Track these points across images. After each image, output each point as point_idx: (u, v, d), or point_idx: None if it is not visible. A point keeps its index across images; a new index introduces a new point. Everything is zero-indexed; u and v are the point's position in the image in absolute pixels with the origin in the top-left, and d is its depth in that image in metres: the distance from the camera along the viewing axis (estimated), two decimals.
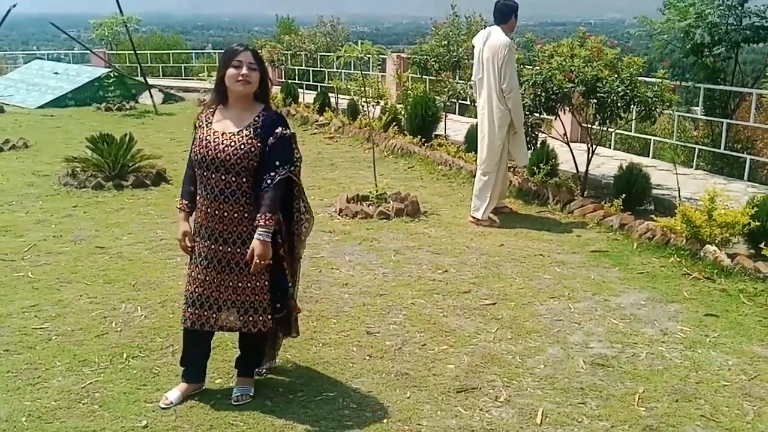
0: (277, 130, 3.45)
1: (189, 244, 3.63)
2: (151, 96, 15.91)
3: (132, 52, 17.19)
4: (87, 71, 18.06)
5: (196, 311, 3.63)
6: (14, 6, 15.83)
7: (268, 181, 3.41)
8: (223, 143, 3.42)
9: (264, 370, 3.97)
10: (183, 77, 22.20)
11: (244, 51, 3.46)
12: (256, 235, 3.40)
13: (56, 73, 18.36)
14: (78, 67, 19.50)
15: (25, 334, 4.47)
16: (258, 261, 3.41)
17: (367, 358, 4.23)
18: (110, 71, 17.20)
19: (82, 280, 5.44)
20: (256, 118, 3.47)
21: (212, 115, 3.56)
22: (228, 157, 3.40)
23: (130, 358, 4.18)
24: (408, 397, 3.78)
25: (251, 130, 3.44)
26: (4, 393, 3.78)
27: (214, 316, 3.62)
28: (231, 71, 3.43)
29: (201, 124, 3.56)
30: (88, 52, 21.01)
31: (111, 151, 8.50)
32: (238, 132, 3.44)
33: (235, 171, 3.41)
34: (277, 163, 3.43)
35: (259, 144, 3.43)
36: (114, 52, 21.69)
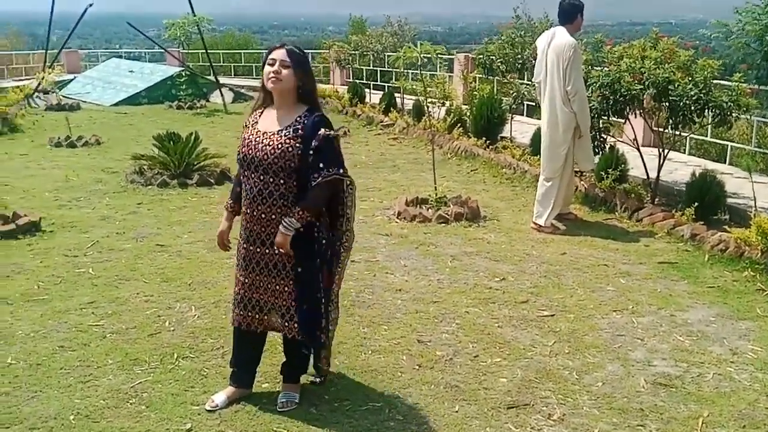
0: (320, 132, 3.37)
1: (226, 244, 3.71)
2: (222, 95, 16.17)
3: (204, 51, 17.51)
4: (161, 70, 18.52)
5: (241, 312, 3.62)
6: (91, 5, 16.32)
7: (312, 183, 3.36)
8: (262, 142, 3.38)
9: (318, 379, 3.88)
10: (254, 76, 22.50)
11: (280, 49, 3.40)
12: (282, 223, 3.35)
13: (131, 71, 18.89)
14: (152, 65, 20.02)
15: (80, 331, 4.54)
16: (280, 248, 3.39)
17: (417, 367, 4.11)
18: (183, 70, 17.57)
19: (140, 277, 5.50)
20: (298, 119, 3.41)
21: (259, 116, 3.52)
22: (265, 156, 3.35)
23: (180, 359, 4.19)
24: (456, 411, 3.66)
25: (291, 130, 3.38)
26: (56, 390, 3.82)
27: (258, 317, 3.59)
28: (266, 68, 3.39)
29: (247, 124, 3.54)
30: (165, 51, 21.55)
31: (176, 150, 8.63)
32: (278, 131, 3.39)
33: (273, 171, 3.36)
34: (321, 165, 3.36)
35: (299, 145, 3.35)
36: (188, 51, 22.15)
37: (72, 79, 19.48)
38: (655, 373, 4.06)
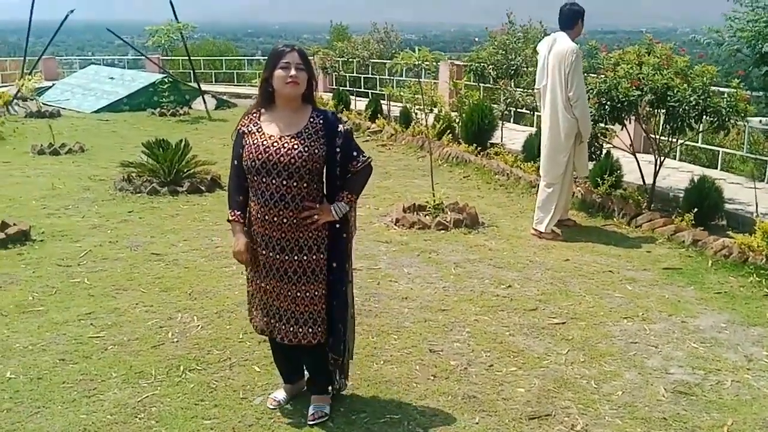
0: (340, 128, 3.35)
1: (249, 258, 3.46)
2: (204, 102, 16.00)
3: (185, 58, 17.35)
4: (142, 77, 18.27)
5: (264, 318, 3.52)
6: (72, 11, 16.09)
7: (353, 170, 3.39)
8: (284, 147, 3.26)
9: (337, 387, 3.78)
10: (235, 83, 22.35)
11: (291, 52, 3.29)
12: (333, 205, 3.35)
13: (112, 78, 18.62)
14: (133, 72, 19.75)
15: (80, 343, 4.38)
16: (314, 218, 3.31)
17: (432, 378, 4.02)
18: (165, 77, 17.37)
19: (138, 287, 5.35)
20: (313, 119, 3.33)
21: (258, 119, 3.39)
22: (293, 161, 3.23)
23: (186, 371, 4.05)
24: (477, 423, 3.57)
25: (312, 132, 3.30)
26: (60, 405, 3.68)
27: (278, 326, 3.46)
28: (279, 72, 3.27)
29: (248, 129, 3.37)
30: (142, 57, 21.31)
31: (166, 157, 8.48)
32: (297, 134, 3.28)
33: (299, 174, 3.25)
34: (355, 153, 3.38)
35: (323, 146, 3.29)
36: (168, 58, 21.94)
37: (50, 86, 19.15)
38: (674, 381, 4.00)
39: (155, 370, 4.06)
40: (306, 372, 3.78)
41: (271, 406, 3.66)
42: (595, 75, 7.48)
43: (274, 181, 3.26)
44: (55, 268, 5.72)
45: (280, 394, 3.73)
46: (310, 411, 3.58)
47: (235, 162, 3.45)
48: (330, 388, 3.69)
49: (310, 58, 3.44)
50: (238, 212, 3.47)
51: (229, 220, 3.51)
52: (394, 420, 3.59)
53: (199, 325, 4.68)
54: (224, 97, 17.99)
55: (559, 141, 6.52)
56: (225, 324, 4.69)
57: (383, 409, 3.69)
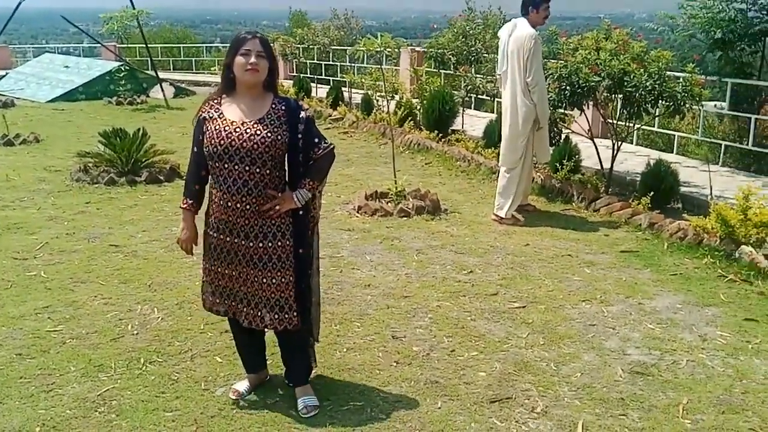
0: (301, 115, 3.34)
1: (192, 249, 3.52)
2: (162, 90, 15.76)
3: (142, 45, 17.05)
4: (98, 65, 17.93)
5: (217, 300, 3.50)
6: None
7: (315, 156, 3.37)
8: (246, 132, 3.23)
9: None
10: (194, 71, 22.06)
11: (253, 39, 3.28)
12: (294, 192, 3.34)
13: (67, 66, 18.24)
14: (89, 60, 19.37)
15: (38, 337, 4.31)
16: (276, 208, 3.30)
17: (395, 364, 4.04)
18: (121, 65, 17.07)
19: (96, 279, 5.27)
20: (275, 105, 3.32)
21: (219, 105, 3.36)
22: (255, 146, 3.22)
23: (147, 364, 4.01)
24: (439, 408, 3.60)
25: (274, 117, 3.29)
26: (17, 400, 3.61)
27: (245, 310, 3.43)
28: (239, 59, 3.25)
29: (209, 115, 3.34)
30: (98, 45, 20.91)
31: (124, 146, 8.34)
32: (259, 120, 3.27)
33: (261, 161, 3.24)
34: (317, 140, 3.37)
35: (286, 132, 3.28)
36: (124, 45, 21.55)
37: (4, 76, 18.69)
38: (631, 362, 4.08)
39: (115, 363, 4.01)
40: (280, 362, 3.76)
41: (234, 397, 3.64)
42: (555, 61, 7.54)
43: (236, 168, 3.24)
44: (11, 261, 5.61)
45: (243, 385, 3.70)
46: (300, 405, 3.55)
47: (195, 149, 3.42)
48: (308, 375, 3.68)
49: (270, 44, 3.41)
50: (191, 201, 3.47)
51: (181, 207, 3.51)
52: (357, 407, 3.60)
53: (159, 317, 4.63)
54: (182, 85, 17.76)
55: (517, 126, 6.58)
56: (186, 315, 4.65)
57: (347, 396, 3.70)
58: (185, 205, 3.48)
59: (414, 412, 3.55)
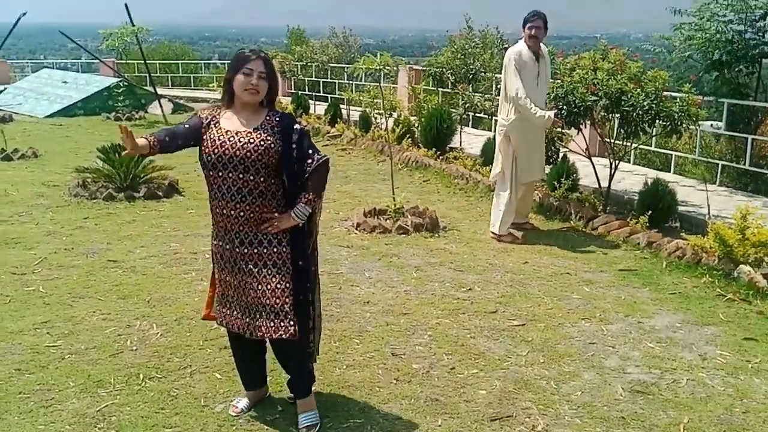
0: (295, 126, 3.38)
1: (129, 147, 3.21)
2: (161, 106, 15.79)
3: (141, 61, 17.09)
4: (96, 81, 17.97)
5: (228, 311, 3.51)
6: (24, 14, 15.77)
7: (309, 169, 3.35)
8: (240, 141, 3.27)
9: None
10: (192, 87, 22.12)
11: (257, 59, 3.31)
12: (294, 209, 3.34)
13: (65, 82, 18.27)
14: (87, 76, 19.41)
15: (37, 353, 4.29)
16: (275, 224, 3.32)
17: (394, 381, 4.03)
18: (120, 81, 17.11)
19: (95, 295, 5.26)
20: (268, 117, 3.36)
21: (218, 116, 3.40)
22: (248, 154, 3.25)
23: (146, 380, 4.00)
24: (440, 425, 3.59)
25: (268, 127, 3.33)
26: (17, 416, 3.60)
27: (246, 320, 3.42)
28: (240, 78, 3.29)
29: (206, 122, 3.38)
30: (96, 61, 20.95)
31: (122, 162, 8.34)
32: (254, 130, 3.31)
33: (255, 168, 3.27)
34: (311, 151, 3.37)
35: (279, 141, 3.31)
36: (123, 61, 21.61)
37: (2, 90, 18.72)
38: (631, 381, 4.08)
39: (114, 379, 4.00)
40: (280, 380, 3.74)
41: (233, 414, 3.63)
42: (552, 81, 7.58)
43: (230, 175, 3.28)
44: (9, 276, 5.59)
45: (242, 402, 3.70)
46: (301, 423, 3.52)
47: (186, 125, 3.39)
48: (310, 385, 3.64)
49: (272, 64, 3.44)
50: (154, 139, 3.29)
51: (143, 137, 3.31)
52: (357, 424, 3.59)
53: (158, 333, 4.62)
54: (181, 102, 17.79)
55: (503, 143, 6.76)
56: (185, 331, 4.64)
57: (347, 414, 3.69)
58: (149, 140, 3.29)
59: (414, 431, 3.55)
